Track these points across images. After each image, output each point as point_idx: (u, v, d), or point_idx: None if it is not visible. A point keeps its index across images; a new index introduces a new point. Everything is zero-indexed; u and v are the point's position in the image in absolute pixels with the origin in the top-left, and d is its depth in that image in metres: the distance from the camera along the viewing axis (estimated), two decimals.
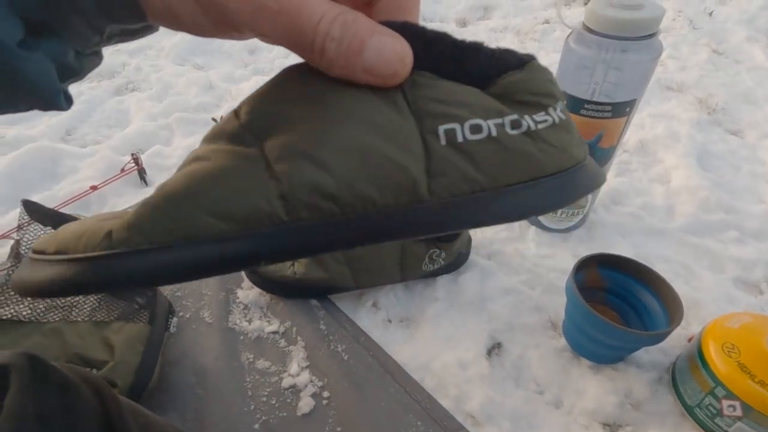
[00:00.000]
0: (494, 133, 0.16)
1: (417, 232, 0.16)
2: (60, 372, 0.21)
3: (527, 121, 0.17)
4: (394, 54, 0.15)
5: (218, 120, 0.89)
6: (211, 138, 0.18)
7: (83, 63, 0.16)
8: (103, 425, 0.21)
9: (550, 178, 0.17)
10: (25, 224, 0.50)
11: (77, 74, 0.16)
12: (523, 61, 0.17)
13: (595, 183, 0.18)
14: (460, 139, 0.16)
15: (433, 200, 0.16)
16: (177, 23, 0.15)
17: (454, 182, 0.16)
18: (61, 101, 0.15)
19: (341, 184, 0.15)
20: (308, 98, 0.16)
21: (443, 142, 0.16)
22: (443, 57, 0.17)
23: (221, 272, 0.16)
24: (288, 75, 0.18)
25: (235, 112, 0.18)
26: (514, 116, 0.17)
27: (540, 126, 0.17)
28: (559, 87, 0.19)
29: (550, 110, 0.17)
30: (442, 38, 0.17)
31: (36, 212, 0.50)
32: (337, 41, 0.15)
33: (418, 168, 0.16)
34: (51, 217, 0.51)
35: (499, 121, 0.17)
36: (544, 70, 0.18)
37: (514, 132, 0.17)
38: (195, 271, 0.15)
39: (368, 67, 0.15)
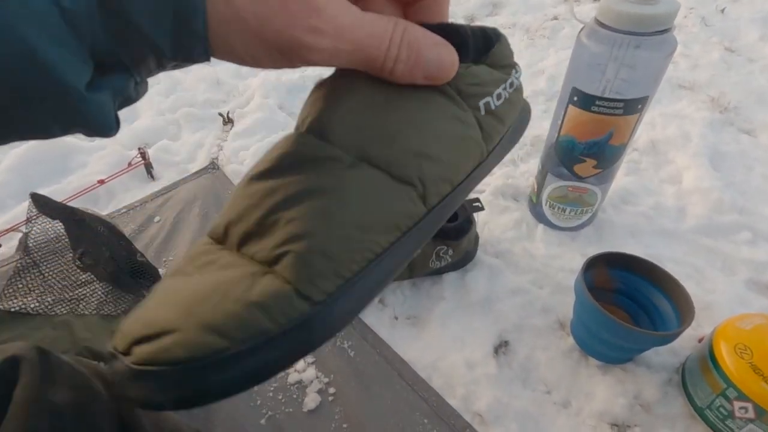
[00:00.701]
0: (506, 95, 0.22)
1: (482, 178, 0.23)
2: (71, 366, 0.21)
3: (514, 79, 0.22)
4: (447, 62, 0.19)
5: (224, 115, 0.89)
6: (296, 166, 0.19)
7: (139, 91, 0.17)
8: (116, 419, 0.21)
9: (522, 110, 0.24)
10: (34, 217, 0.51)
11: (132, 102, 0.17)
12: (498, 35, 0.22)
13: (528, 108, 0.25)
14: (492, 107, 0.21)
15: (488, 158, 0.22)
16: (235, 59, 0.16)
17: (493, 138, 0.22)
18: (114, 130, 0.16)
19: (449, 167, 0.20)
20: (384, 106, 0.19)
21: (483, 112, 0.21)
22: (460, 44, 0.20)
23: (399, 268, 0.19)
24: (345, 86, 0.20)
25: (315, 133, 0.19)
26: (510, 79, 0.22)
27: (517, 81, 0.23)
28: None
29: (516, 67, 0.23)
30: (461, 29, 0.21)
31: (44, 206, 0.50)
32: (404, 62, 0.18)
33: (479, 137, 0.21)
34: (59, 211, 0.51)
35: (504, 85, 0.22)
36: (506, 40, 0.23)
37: (511, 90, 0.22)
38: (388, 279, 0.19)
39: (428, 75, 0.18)
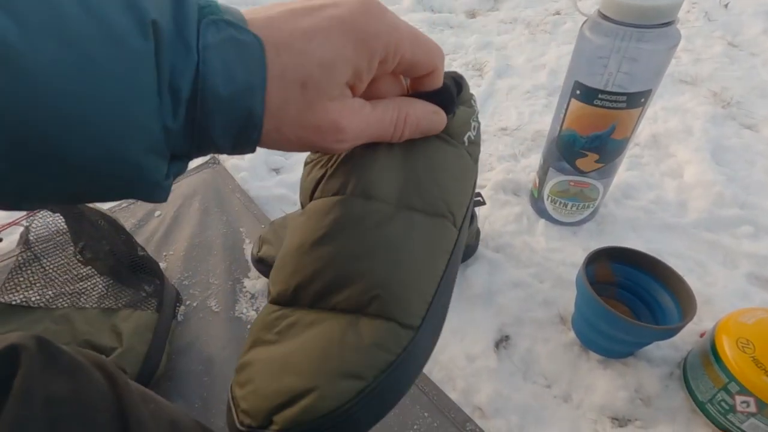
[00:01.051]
0: (476, 124, 0.28)
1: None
2: (70, 355, 0.21)
3: (476, 108, 0.28)
4: (439, 124, 0.24)
5: None
6: (352, 225, 0.22)
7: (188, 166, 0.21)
8: (114, 410, 0.21)
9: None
10: (35, 211, 0.50)
11: (181, 174, 0.20)
12: (461, 77, 0.27)
13: None
14: (472, 138, 0.27)
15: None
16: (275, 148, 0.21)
17: (477, 159, 0.28)
18: (165, 199, 0.19)
19: (462, 193, 0.25)
20: (405, 160, 0.24)
21: (467, 143, 0.27)
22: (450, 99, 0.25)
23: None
24: (368, 153, 0.23)
25: (360, 195, 0.23)
26: (475, 110, 0.28)
27: (477, 108, 0.28)
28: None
29: (473, 98, 0.28)
30: (450, 90, 0.25)
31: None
32: (407, 135, 0.23)
33: (471, 163, 0.27)
34: (59, 206, 0.51)
35: (474, 116, 0.27)
36: (465, 80, 0.28)
37: (477, 119, 0.28)
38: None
39: (423, 134, 0.24)
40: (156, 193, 0.17)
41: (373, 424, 0.19)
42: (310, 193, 0.25)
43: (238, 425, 0.19)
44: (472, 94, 0.27)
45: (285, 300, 0.22)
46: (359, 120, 0.21)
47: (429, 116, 0.24)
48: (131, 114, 0.15)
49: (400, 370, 0.20)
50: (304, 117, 0.19)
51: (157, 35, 0.15)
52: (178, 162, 0.18)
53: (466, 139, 0.26)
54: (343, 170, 0.24)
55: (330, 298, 0.21)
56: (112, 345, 0.45)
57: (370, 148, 0.23)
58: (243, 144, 0.19)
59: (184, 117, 0.16)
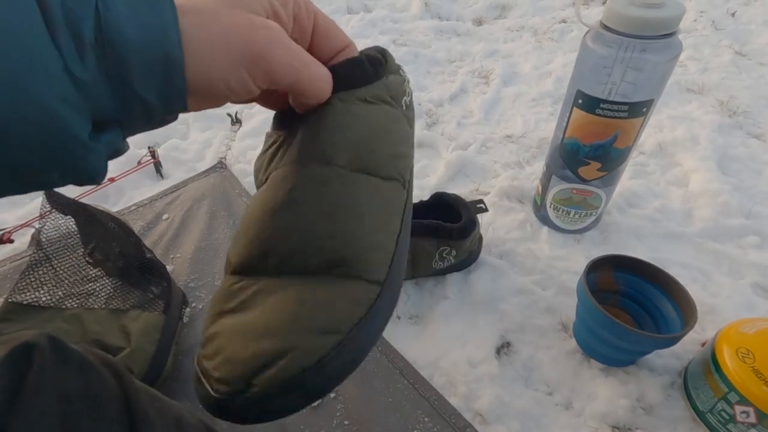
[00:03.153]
0: (410, 90, 0.28)
1: None
2: (80, 353, 0.22)
3: (406, 76, 0.28)
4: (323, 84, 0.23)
5: (233, 115, 0.90)
6: (313, 191, 0.23)
7: (125, 145, 0.20)
8: (122, 407, 0.22)
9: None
10: (46, 213, 0.52)
11: (120, 155, 0.19)
12: (383, 50, 0.27)
13: None
14: (408, 102, 0.28)
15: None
16: (208, 94, 0.20)
17: (412, 125, 0.29)
18: (103, 178, 0.18)
19: (408, 157, 0.26)
20: (360, 125, 0.25)
21: (404, 108, 0.27)
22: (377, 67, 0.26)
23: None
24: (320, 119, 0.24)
25: (320, 161, 0.24)
26: (406, 77, 0.28)
27: (407, 76, 0.29)
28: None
29: (401, 68, 0.28)
30: (368, 58, 0.26)
31: (57, 202, 0.51)
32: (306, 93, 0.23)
33: (407, 127, 0.27)
34: (71, 207, 0.52)
35: (406, 83, 0.28)
36: (390, 54, 0.28)
37: (409, 85, 0.28)
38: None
39: (314, 95, 0.23)
40: (89, 159, 0.17)
41: (348, 373, 0.21)
42: (266, 167, 0.25)
43: (213, 394, 0.19)
44: (399, 66, 0.28)
45: (248, 269, 0.22)
46: (291, 56, 0.20)
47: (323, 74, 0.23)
48: (30, 51, 0.14)
49: (371, 322, 0.21)
50: (232, 35, 0.18)
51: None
52: (110, 130, 0.17)
53: (403, 102, 0.27)
54: (298, 139, 0.24)
55: (296, 261, 0.22)
56: (120, 345, 0.46)
57: (321, 115, 0.24)
58: (172, 96, 0.18)
59: (96, 65, 0.15)
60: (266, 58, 0.19)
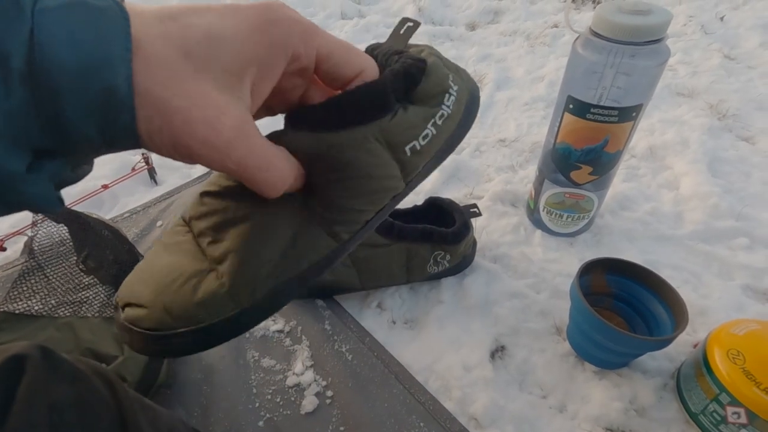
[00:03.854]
0: (432, 132, 0.24)
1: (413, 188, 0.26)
2: (72, 364, 0.22)
3: (445, 108, 0.25)
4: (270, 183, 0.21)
5: None
6: (239, 193, 0.24)
7: (78, 173, 0.19)
8: (114, 417, 0.22)
9: (469, 102, 0.26)
10: (39, 221, 0.52)
11: (72, 183, 0.19)
12: (422, 69, 0.23)
13: (476, 94, 0.27)
14: (417, 148, 0.24)
15: (406, 188, 0.25)
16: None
17: (416, 171, 0.25)
18: (57, 208, 0.17)
19: (365, 213, 0.24)
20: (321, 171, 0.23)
21: (409, 154, 0.24)
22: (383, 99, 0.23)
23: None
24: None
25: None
26: (441, 111, 0.24)
27: (449, 105, 0.25)
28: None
29: (451, 90, 0.25)
30: (379, 86, 0.22)
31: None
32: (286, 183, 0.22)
33: (398, 175, 0.24)
34: (64, 215, 0.52)
35: (433, 120, 0.24)
36: (438, 66, 0.24)
37: (441, 121, 0.25)
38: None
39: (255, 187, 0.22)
40: (30, 192, 0.16)
41: (182, 354, 0.22)
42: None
43: (115, 300, 0.23)
44: (446, 85, 0.24)
45: (184, 222, 0.25)
46: (248, 139, 0.18)
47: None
48: None
49: (207, 334, 0.22)
50: (187, 93, 0.16)
51: None
52: (54, 159, 0.16)
53: (408, 149, 0.23)
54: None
55: (205, 238, 0.23)
56: (114, 353, 0.46)
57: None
58: (116, 134, 0.16)
59: (27, 96, 0.14)
60: (210, 156, 0.18)
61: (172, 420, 0.26)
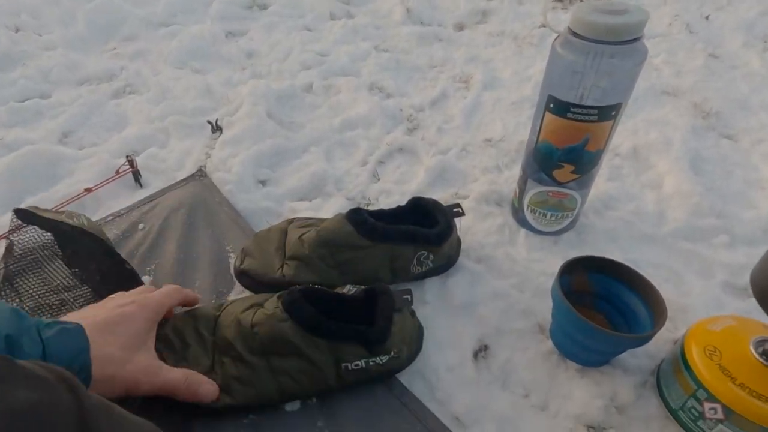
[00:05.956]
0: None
1: None
2: (30, 369, 0.22)
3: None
4: (212, 391, 0.43)
5: (213, 123, 0.89)
6: None
7: None
8: (76, 422, 0.22)
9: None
10: (16, 228, 0.51)
11: None
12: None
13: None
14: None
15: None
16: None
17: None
18: None
19: None
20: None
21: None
22: None
23: None
24: None
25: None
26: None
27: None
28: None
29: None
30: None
31: (28, 221, 0.51)
32: (188, 392, 0.41)
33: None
34: (45, 225, 0.52)
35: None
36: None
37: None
38: None
39: (202, 398, 0.42)
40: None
41: None
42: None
43: None
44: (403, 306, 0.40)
45: None
46: (151, 384, 0.38)
47: (207, 387, 0.42)
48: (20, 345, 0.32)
49: None
50: (123, 362, 0.37)
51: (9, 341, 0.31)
52: None
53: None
54: None
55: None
56: None
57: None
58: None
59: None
60: (139, 385, 0.38)
61: (138, 425, 0.26)
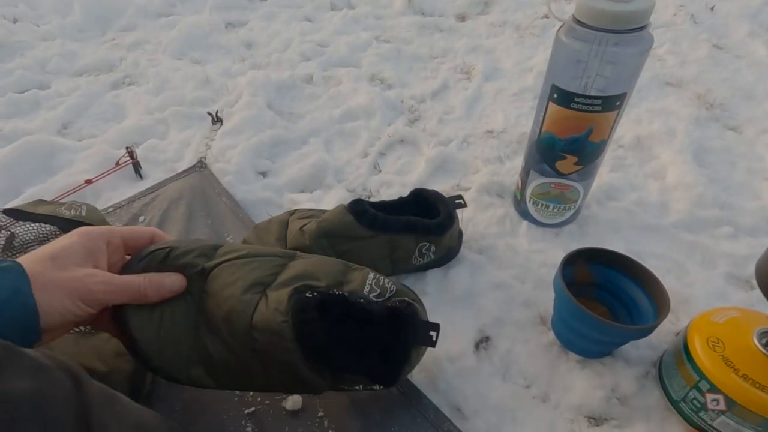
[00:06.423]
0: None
1: None
2: (31, 356, 0.21)
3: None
4: (178, 283, 0.38)
5: (213, 114, 0.89)
6: None
7: None
8: (77, 410, 0.21)
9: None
10: (8, 224, 0.50)
11: None
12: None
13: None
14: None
15: None
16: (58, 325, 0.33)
17: None
18: None
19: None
20: None
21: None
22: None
23: None
24: None
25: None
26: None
27: None
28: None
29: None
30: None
31: (20, 219, 0.50)
32: (152, 288, 0.36)
33: None
34: (39, 219, 0.51)
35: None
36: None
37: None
38: None
39: (169, 291, 0.37)
40: None
41: None
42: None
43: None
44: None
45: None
46: (105, 284, 0.34)
47: (169, 277, 0.37)
48: None
49: None
50: (59, 280, 0.32)
51: None
52: None
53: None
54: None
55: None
56: (96, 367, 0.44)
57: None
58: (30, 335, 0.30)
59: None
60: (93, 291, 0.33)
61: (141, 413, 0.26)
